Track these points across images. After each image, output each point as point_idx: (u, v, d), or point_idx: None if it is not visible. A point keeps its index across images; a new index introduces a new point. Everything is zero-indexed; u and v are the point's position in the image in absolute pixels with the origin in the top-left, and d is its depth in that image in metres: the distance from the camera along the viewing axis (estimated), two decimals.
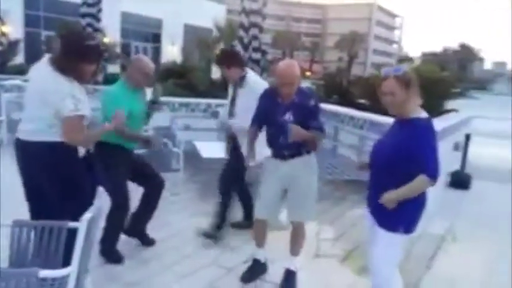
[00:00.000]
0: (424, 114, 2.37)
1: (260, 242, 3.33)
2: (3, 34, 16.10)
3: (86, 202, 2.19)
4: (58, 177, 2.53)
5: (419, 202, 2.40)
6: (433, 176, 2.24)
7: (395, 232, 2.37)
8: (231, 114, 3.84)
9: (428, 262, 3.79)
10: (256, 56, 7.66)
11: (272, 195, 3.13)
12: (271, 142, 3.12)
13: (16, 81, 8.98)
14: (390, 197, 2.30)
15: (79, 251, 1.81)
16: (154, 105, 3.60)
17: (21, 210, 2.60)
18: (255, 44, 7.62)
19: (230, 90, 3.92)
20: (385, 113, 2.70)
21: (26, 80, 8.77)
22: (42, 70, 2.54)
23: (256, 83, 3.73)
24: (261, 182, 3.21)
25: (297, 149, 3.02)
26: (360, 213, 4.89)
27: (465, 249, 4.14)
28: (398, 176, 2.31)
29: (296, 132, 2.84)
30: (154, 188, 3.60)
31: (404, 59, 56.32)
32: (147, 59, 3.46)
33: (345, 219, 4.78)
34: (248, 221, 3.93)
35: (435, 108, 6.94)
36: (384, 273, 2.47)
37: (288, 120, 2.94)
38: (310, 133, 2.92)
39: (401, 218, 2.36)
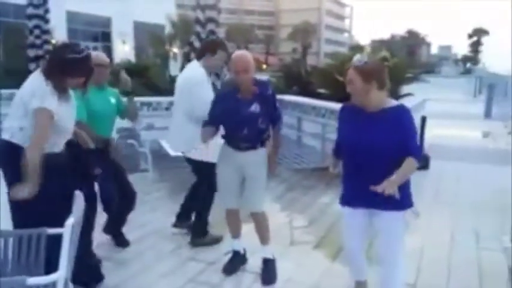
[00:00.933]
0: (397, 103, 2.46)
1: (235, 232, 3.40)
2: None
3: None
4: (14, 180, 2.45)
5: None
6: (419, 156, 2.37)
7: (405, 209, 2.46)
8: None
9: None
10: None
11: (234, 184, 3.23)
12: (230, 136, 3.17)
13: None
14: (395, 182, 2.27)
15: (66, 256, 1.80)
16: (129, 96, 3.45)
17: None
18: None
19: (209, 83, 3.63)
20: (343, 100, 2.75)
21: None
22: (32, 75, 2.56)
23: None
24: (217, 172, 3.28)
25: (255, 143, 3.14)
26: (326, 200, 5.06)
27: (429, 224, 4.38)
28: (399, 159, 2.35)
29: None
30: (127, 199, 3.60)
31: (355, 47, 57.66)
32: (98, 52, 3.43)
33: (314, 207, 4.92)
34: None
35: (392, 93, 7.20)
36: (400, 247, 2.55)
37: (254, 112, 3.03)
38: (275, 140, 3.21)
39: (408, 195, 2.47)
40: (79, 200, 2.10)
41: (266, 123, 3.12)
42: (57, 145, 2.61)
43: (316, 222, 4.47)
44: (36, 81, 2.49)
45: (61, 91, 2.52)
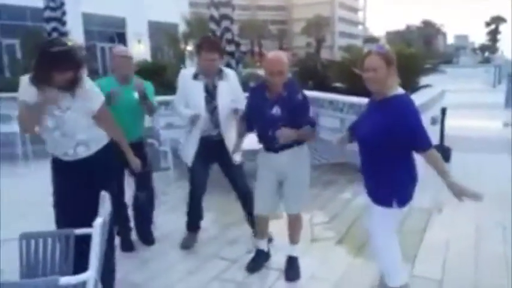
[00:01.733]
0: (401, 91, 2.44)
1: (263, 234, 3.41)
2: None
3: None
4: None
5: (411, 176, 2.50)
6: (431, 145, 2.35)
7: (390, 207, 2.47)
8: (212, 109, 3.49)
9: (421, 235, 3.93)
10: (230, 48, 7.61)
11: (269, 189, 3.17)
12: (261, 136, 3.14)
13: None
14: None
15: (95, 256, 1.82)
16: (145, 101, 3.42)
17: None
18: (228, 36, 7.56)
19: (197, 84, 3.48)
20: (361, 94, 2.76)
21: None
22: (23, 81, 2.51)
23: (234, 75, 3.62)
24: (257, 176, 3.24)
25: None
26: (348, 195, 5.02)
27: (453, 218, 4.31)
28: (391, 154, 2.39)
29: (284, 136, 2.88)
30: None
31: (370, 39, 56.99)
32: (119, 45, 3.49)
33: (335, 202, 4.88)
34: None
35: (410, 84, 7.10)
36: (378, 242, 2.58)
37: (275, 115, 2.94)
38: (300, 131, 2.94)
39: (393, 193, 2.46)
40: (105, 200, 2.13)
41: (289, 128, 2.93)
42: None
43: (337, 217, 4.44)
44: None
45: (61, 88, 2.45)
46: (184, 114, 3.47)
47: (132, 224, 3.79)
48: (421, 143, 2.33)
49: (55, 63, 2.36)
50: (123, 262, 3.29)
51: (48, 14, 9.81)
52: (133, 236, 3.81)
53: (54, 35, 9.83)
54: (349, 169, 5.79)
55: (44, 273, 2.17)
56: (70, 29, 12.41)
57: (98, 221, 1.84)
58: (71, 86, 2.46)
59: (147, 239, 3.80)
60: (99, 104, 2.66)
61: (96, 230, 1.82)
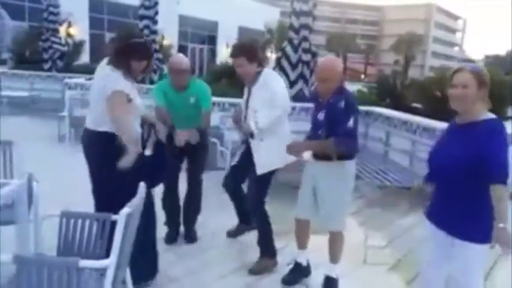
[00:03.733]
0: (492, 115, 2.17)
1: (301, 243, 3.28)
2: (70, 35, 17.10)
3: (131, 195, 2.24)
4: (109, 166, 2.60)
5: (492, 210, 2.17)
6: (500, 177, 2.04)
7: (486, 243, 2.14)
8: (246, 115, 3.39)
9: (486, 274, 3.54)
10: (306, 57, 7.56)
11: (306, 194, 3.13)
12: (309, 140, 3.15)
13: (80, 79, 9.48)
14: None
15: (118, 243, 1.85)
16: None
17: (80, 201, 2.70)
18: (305, 45, 7.52)
19: (246, 90, 3.43)
20: (439, 117, 2.52)
21: (90, 79, 9.30)
22: (101, 69, 2.76)
23: (273, 80, 3.31)
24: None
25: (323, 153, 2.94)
26: (410, 221, 4.68)
27: None
28: (474, 185, 2.13)
29: (290, 148, 2.97)
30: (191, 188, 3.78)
31: (466, 62, 53.57)
32: (177, 56, 3.61)
33: (394, 227, 4.59)
34: (245, 224, 3.89)
35: (497, 113, 6.51)
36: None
37: (319, 119, 2.95)
38: (312, 144, 2.94)
39: (486, 227, 2.13)
40: (141, 190, 2.16)
41: (329, 136, 2.87)
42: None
43: (394, 243, 4.17)
44: (105, 73, 2.69)
45: (132, 77, 2.72)
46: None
47: (181, 218, 3.87)
48: (499, 175, 2.03)
49: (134, 53, 2.71)
50: (164, 255, 3.33)
51: (142, 12, 10.47)
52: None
53: (146, 32, 10.44)
54: (413, 194, 5.42)
55: (79, 253, 2.25)
56: (164, 29, 13.23)
57: (125, 210, 1.86)
58: (142, 74, 2.82)
59: (189, 236, 3.85)
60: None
61: (122, 218, 1.84)
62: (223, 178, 3.80)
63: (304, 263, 3.29)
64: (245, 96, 3.41)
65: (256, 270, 3.33)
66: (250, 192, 3.47)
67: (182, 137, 3.42)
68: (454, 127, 2.31)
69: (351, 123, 2.80)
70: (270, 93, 3.16)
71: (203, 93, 3.60)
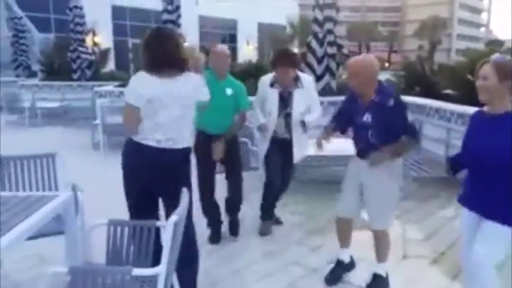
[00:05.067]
0: None
1: (344, 242, 3.25)
2: (96, 44, 17.47)
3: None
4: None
5: None
6: None
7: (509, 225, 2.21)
8: (285, 115, 3.82)
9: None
10: (332, 50, 7.48)
11: (350, 192, 3.09)
12: (354, 142, 3.10)
13: (109, 87, 9.68)
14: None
15: (167, 251, 1.88)
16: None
17: (120, 209, 2.76)
18: (330, 38, 7.44)
19: (272, 91, 3.78)
20: (473, 103, 2.54)
21: (118, 85, 9.44)
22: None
23: (311, 82, 3.95)
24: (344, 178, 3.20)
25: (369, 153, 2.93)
26: (451, 212, 4.58)
27: None
28: (508, 173, 2.19)
29: (376, 160, 2.86)
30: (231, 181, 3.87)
31: (493, 42, 51.84)
32: (219, 45, 3.73)
33: (434, 219, 4.49)
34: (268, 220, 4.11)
35: None
36: (484, 273, 2.26)
37: (366, 122, 2.86)
38: (394, 148, 2.83)
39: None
40: (185, 196, 2.19)
41: (381, 137, 2.83)
42: None
43: (435, 235, 4.07)
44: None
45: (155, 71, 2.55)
46: (255, 119, 3.92)
47: (223, 217, 3.94)
48: None
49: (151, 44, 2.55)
50: (206, 257, 3.37)
51: (165, 16, 10.59)
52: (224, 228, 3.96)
53: None
54: (452, 185, 5.30)
55: (127, 260, 2.31)
56: (187, 31, 13.29)
57: (173, 219, 1.89)
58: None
59: (234, 230, 3.94)
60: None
61: (170, 227, 1.87)
62: (269, 181, 3.94)
63: (346, 261, 3.27)
64: (278, 99, 3.78)
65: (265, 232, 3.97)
66: (287, 178, 4.02)
67: (219, 152, 3.59)
68: (485, 117, 2.33)
69: (410, 117, 2.83)
70: (311, 97, 3.86)
71: (240, 89, 3.71)
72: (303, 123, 3.75)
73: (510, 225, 2.21)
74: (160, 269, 1.85)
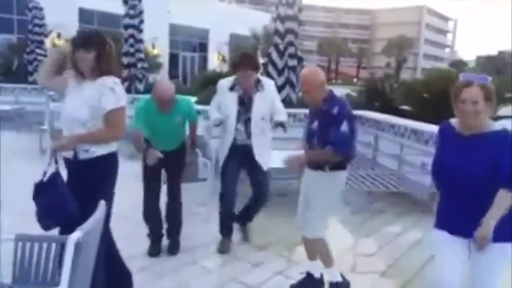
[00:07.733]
0: (498, 127, 2.22)
1: (309, 255, 3.18)
2: (56, 47, 16.96)
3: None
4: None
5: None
6: None
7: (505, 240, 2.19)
8: (245, 120, 3.65)
9: None
10: (293, 62, 7.47)
11: (301, 203, 3.10)
12: (306, 151, 3.08)
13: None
14: (489, 227, 2.09)
15: (68, 271, 1.70)
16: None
17: None
18: (291, 50, 7.44)
19: (232, 95, 3.63)
20: (426, 119, 2.49)
21: None
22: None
23: (272, 85, 3.79)
24: None
25: (313, 163, 2.95)
26: (398, 228, 4.55)
27: None
28: (486, 193, 2.15)
29: (287, 163, 2.93)
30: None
31: (457, 63, 53.85)
32: (162, 84, 3.46)
33: (383, 234, 4.46)
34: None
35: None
36: None
37: (314, 129, 2.91)
38: (314, 154, 2.88)
39: (507, 225, 2.17)
40: (101, 209, 2.02)
41: (324, 144, 2.81)
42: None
43: (383, 250, 4.04)
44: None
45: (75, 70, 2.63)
46: (211, 118, 3.71)
47: (164, 230, 3.79)
48: (509, 182, 2.10)
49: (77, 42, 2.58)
50: (138, 272, 3.18)
51: (127, 21, 10.34)
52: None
53: (131, 41, 10.31)
54: (404, 200, 5.30)
55: (36, 279, 2.10)
56: (155, 37, 13.02)
57: (76, 234, 1.72)
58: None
59: (173, 247, 3.75)
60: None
61: (71, 242, 1.70)
62: (222, 192, 3.80)
63: (317, 275, 3.14)
64: (237, 103, 3.61)
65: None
66: (259, 188, 3.79)
67: (154, 158, 3.40)
68: (458, 137, 2.28)
69: (343, 128, 2.76)
70: (273, 100, 3.68)
71: (188, 109, 3.65)
72: (282, 125, 3.56)
73: (506, 241, 2.18)
74: None
